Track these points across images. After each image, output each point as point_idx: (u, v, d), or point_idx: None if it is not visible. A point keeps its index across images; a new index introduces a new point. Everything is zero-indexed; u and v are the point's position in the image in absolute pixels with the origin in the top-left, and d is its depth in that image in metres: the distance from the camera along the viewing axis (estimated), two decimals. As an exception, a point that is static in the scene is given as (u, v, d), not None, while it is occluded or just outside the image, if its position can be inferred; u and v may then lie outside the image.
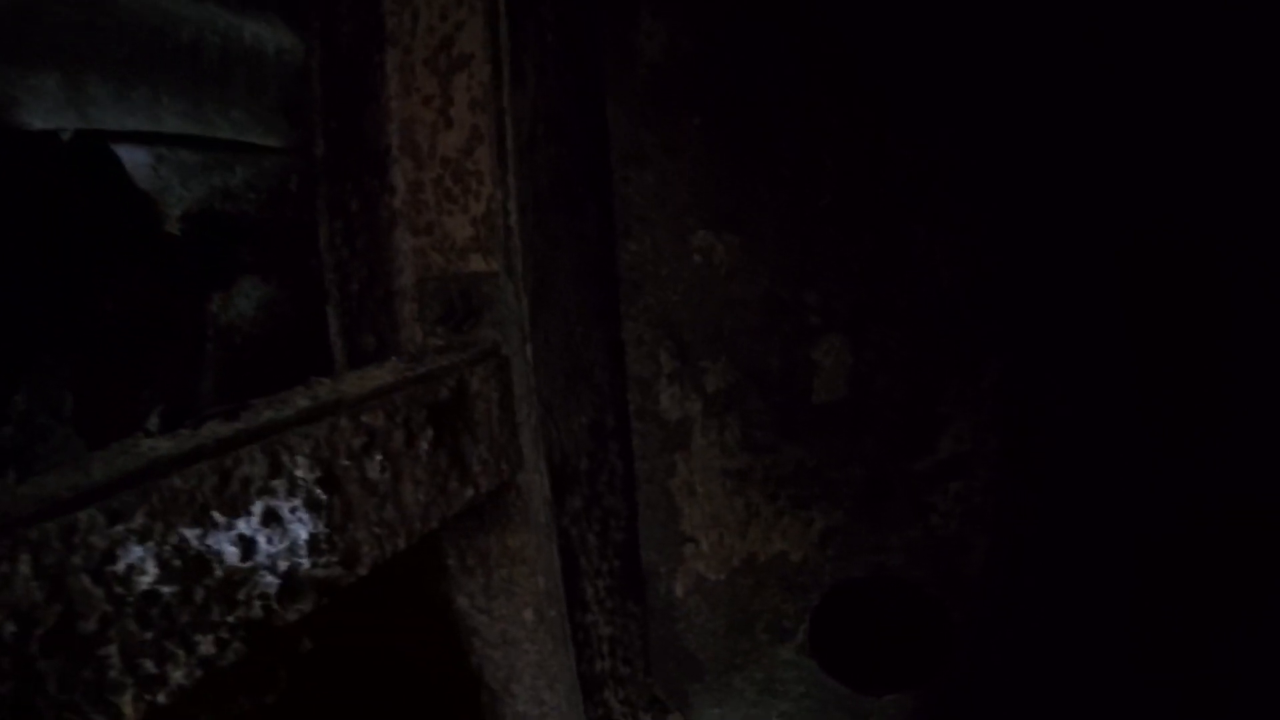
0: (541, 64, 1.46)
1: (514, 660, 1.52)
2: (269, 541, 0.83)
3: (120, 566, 0.67)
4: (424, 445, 1.05)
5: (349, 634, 1.45)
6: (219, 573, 0.77)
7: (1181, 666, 1.34)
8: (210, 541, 0.76)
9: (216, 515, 0.77)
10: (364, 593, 1.41)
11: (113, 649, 0.66)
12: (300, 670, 1.35)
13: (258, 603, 0.83)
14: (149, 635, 0.70)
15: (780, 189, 1.28)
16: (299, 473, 0.86)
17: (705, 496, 1.34)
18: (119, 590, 0.67)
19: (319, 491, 0.88)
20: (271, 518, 0.83)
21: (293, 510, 0.86)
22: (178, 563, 0.72)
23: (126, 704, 0.68)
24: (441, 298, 1.43)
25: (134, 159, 1.27)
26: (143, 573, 0.69)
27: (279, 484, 0.84)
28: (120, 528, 0.67)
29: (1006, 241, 1.27)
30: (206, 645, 0.76)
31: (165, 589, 0.71)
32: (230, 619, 0.79)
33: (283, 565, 0.85)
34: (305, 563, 0.87)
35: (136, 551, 0.68)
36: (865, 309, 1.22)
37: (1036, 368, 1.28)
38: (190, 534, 0.74)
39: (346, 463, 0.92)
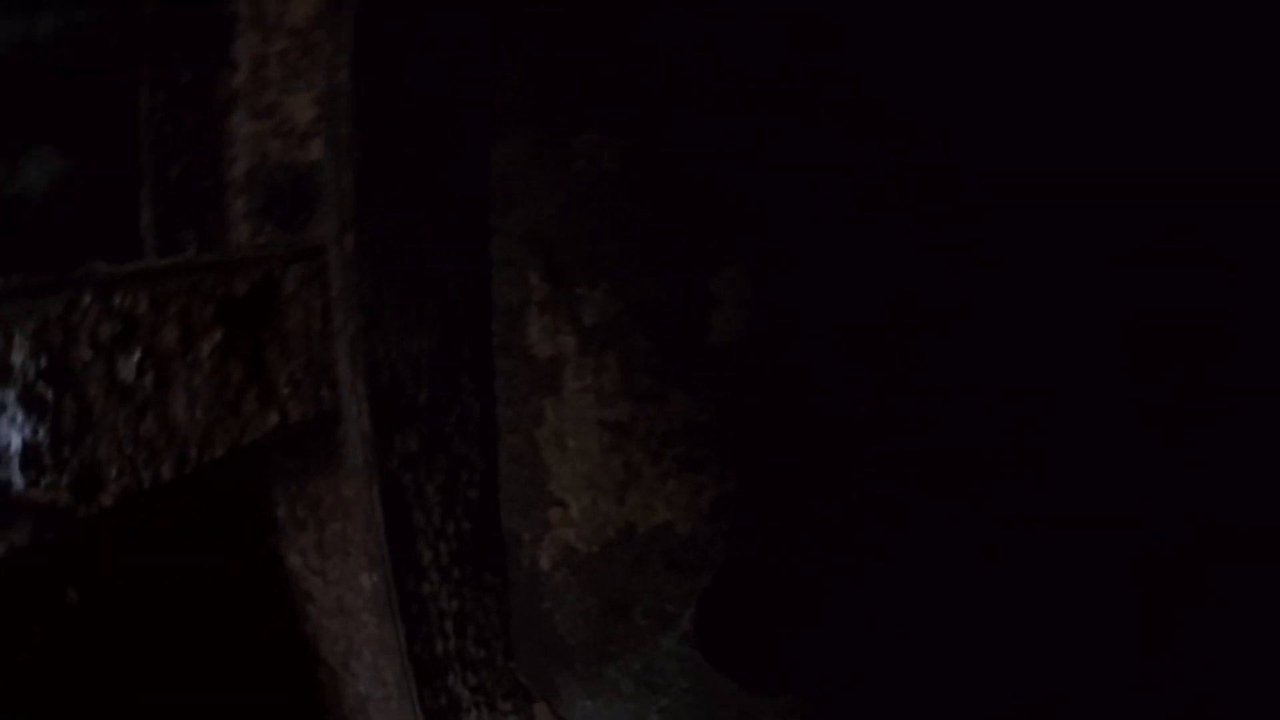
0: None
1: (352, 633, 1.44)
2: (-36, 441, 0.73)
3: None
4: (207, 348, 0.96)
5: (153, 591, 1.35)
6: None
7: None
8: None
9: None
10: (167, 541, 1.32)
11: None
12: (75, 631, 1.25)
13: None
14: None
15: (680, 85, 1.21)
16: (15, 357, 0.76)
17: (577, 452, 1.26)
18: None
19: (42, 386, 0.79)
20: (-32, 412, 0.74)
21: (2, 406, 0.76)
22: None
23: None
24: (272, 191, 1.34)
25: None
26: None
27: (-13, 371, 0.75)
28: None
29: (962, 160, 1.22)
30: None
31: None
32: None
33: (-18, 475, 0.75)
34: (18, 480, 0.77)
35: None
36: (775, 236, 1.15)
37: (999, 332, 1.25)
38: None
39: (89, 354, 0.83)
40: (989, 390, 1.23)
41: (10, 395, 0.76)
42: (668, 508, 1.27)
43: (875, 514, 1.25)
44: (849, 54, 1.20)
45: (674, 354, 1.20)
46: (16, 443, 0.76)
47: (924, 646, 1.34)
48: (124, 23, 1.32)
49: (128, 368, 0.87)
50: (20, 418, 0.77)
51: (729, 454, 1.23)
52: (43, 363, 0.79)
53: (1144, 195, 1.28)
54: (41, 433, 0.78)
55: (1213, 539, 1.36)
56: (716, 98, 1.20)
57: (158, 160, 1.33)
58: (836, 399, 1.20)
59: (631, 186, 1.21)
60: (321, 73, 1.31)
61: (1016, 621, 1.31)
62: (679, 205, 1.20)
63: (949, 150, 1.19)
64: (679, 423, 1.22)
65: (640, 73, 1.22)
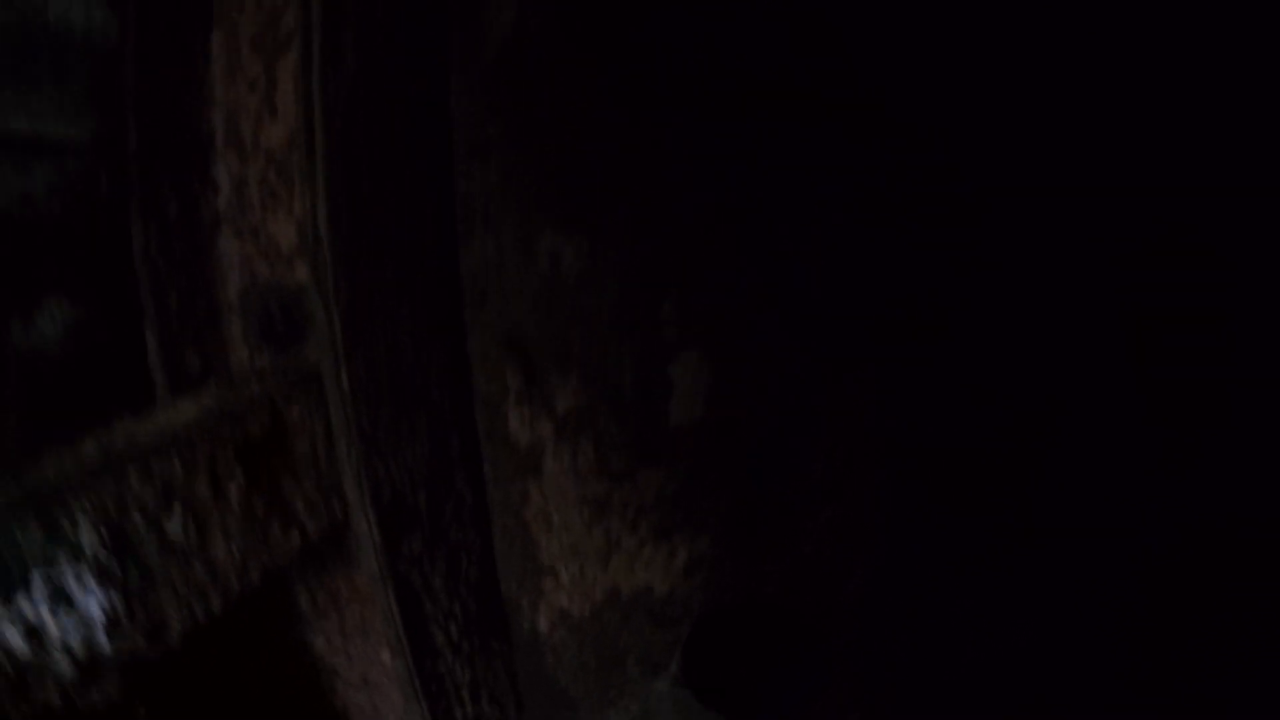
0: (367, 42, 1.53)
1: (378, 703, 1.64)
2: (58, 622, 0.92)
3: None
4: (234, 491, 1.14)
5: (199, 690, 1.55)
6: (8, 669, 0.86)
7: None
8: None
9: (-12, 600, 0.85)
10: (210, 647, 1.51)
11: None
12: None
13: (55, 693, 0.92)
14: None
15: (635, 187, 1.39)
16: (84, 539, 0.95)
17: (563, 526, 1.46)
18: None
19: (108, 558, 0.97)
20: (58, 595, 0.92)
21: (81, 582, 0.95)
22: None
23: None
24: (265, 314, 1.51)
25: None
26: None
27: (61, 553, 0.93)
28: None
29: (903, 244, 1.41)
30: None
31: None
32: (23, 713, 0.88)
33: (78, 647, 0.94)
34: (103, 640, 0.96)
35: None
36: (726, 322, 1.34)
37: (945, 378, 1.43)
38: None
39: (140, 521, 1.01)
40: (937, 448, 1.43)
41: (86, 572, 0.94)
42: (647, 571, 1.46)
43: (835, 561, 1.45)
44: (807, 147, 1.38)
45: (640, 435, 1.39)
46: (97, 612, 0.95)
47: (898, 671, 1.54)
48: (110, 164, 1.49)
49: (174, 526, 1.05)
50: (97, 590, 0.95)
51: (696, 520, 1.43)
52: (106, 539, 0.97)
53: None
54: (115, 598, 0.97)
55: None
56: (664, 205, 1.38)
57: (156, 292, 1.50)
58: (790, 466, 1.39)
59: (592, 285, 1.40)
60: (299, 199, 1.49)
61: (979, 650, 1.51)
62: (637, 300, 1.38)
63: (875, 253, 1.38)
64: (650, 496, 1.42)
65: (596, 180, 1.41)
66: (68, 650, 0.91)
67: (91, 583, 0.95)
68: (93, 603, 0.94)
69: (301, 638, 1.52)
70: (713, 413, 1.36)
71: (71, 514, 0.94)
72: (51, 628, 0.89)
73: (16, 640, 0.86)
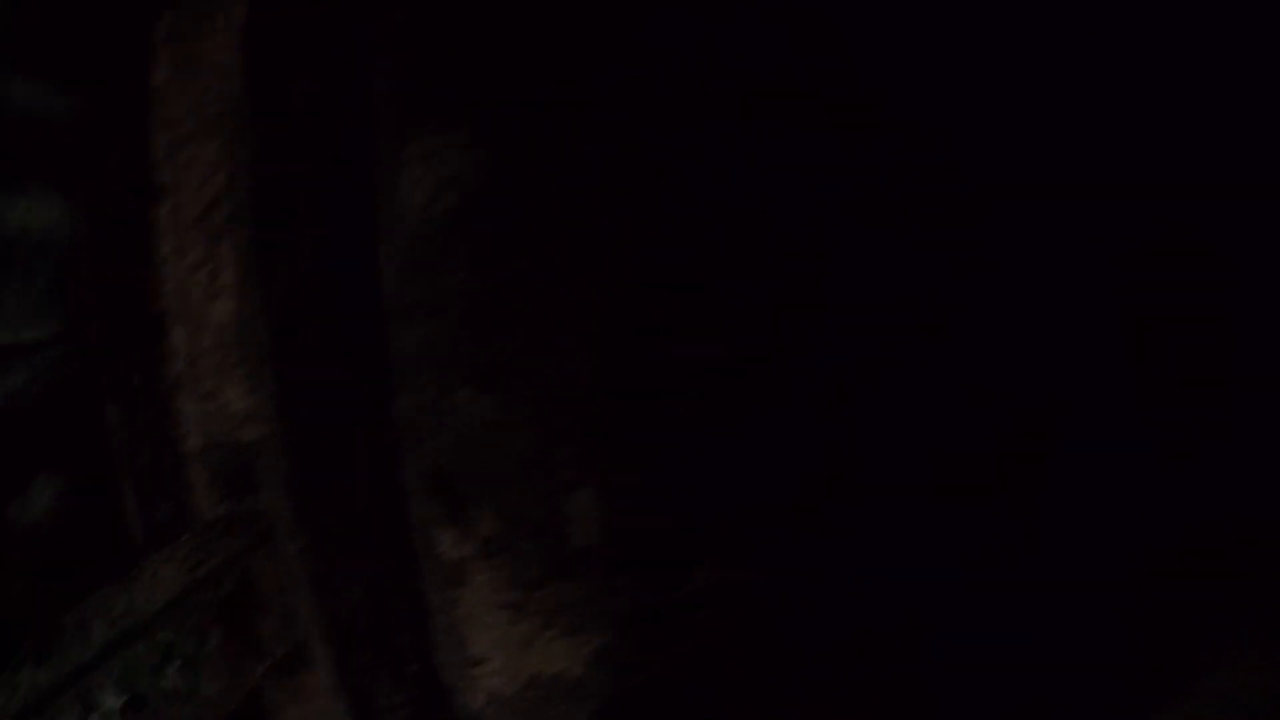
0: (300, 227, 1.83)
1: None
2: (86, 766, 1.23)
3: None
4: (215, 641, 1.46)
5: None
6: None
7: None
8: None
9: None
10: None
11: None
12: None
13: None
14: None
15: (536, 350, 1.72)
16: (108, 703, 1.26)
17: (489, 625, 1.79)
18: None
19: (128, 713, 1.28)
20: (88, 747, 1.23)
21: (107, 735, 1.26)
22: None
23: None
24: (224, 469, 1.82)
25: None
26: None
27: (92, 717, 1.24)
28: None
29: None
30: None
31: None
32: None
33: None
34: (120, 775, 1.28)
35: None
36: (615, 465, 1.69)
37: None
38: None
39: (148, 679, 1.33)
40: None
41: (111, 728, 1.26)
42: (561, 660, 1.79)
43: (725, 646, 1.80)
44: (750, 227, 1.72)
45: (548, 555, 1.73)
46: (118, 757, 1.26)
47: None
48: (78, 350, 1.76)
49: (172, 678, 1.36)
50: (120, 740, 1.27)
51: (601, 618, 1.77)
52: (124, 699, 1.28)
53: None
54: (134, 745, 1.28)
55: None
56: (566, 366, 1.71)
57: (128, 454, 1.79)
58: (674, 577, 1.74)
59: (502, 433, 1.73)
60: (246, 374, 1.79)
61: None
62: (540, 447, 1.72)
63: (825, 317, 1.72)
64: (561, 602, 1.75)
65: (502, 344, 1.73)
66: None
67: (117, 735, 1.26)
68: (120, 751, 1.25)
69: (269, 725, 1.84)
70: (607, 537, 1.70)
71: (100, 685, 1.25)
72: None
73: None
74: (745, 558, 1.74)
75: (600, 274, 1.69)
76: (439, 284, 1.77)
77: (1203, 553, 1.58)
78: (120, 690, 1.27)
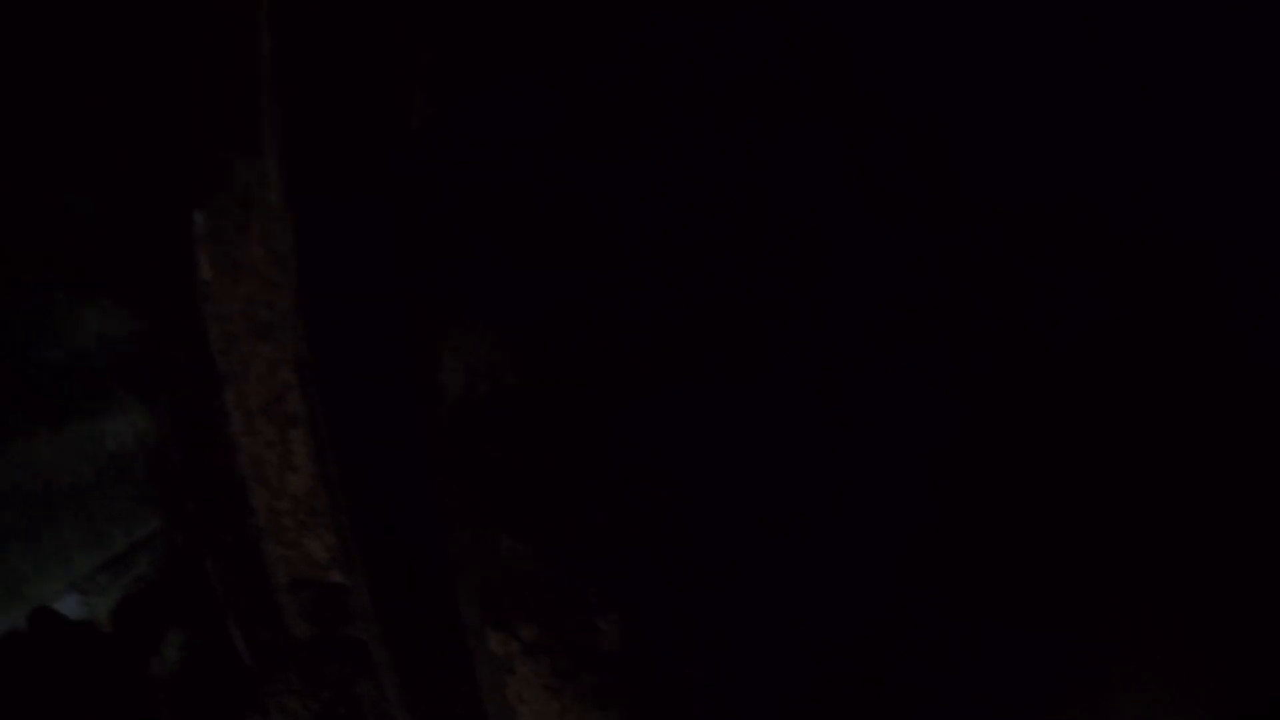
0: (366, 408, 2.19)
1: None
2: None
3: None
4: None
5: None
6: None
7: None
8: None
9: None
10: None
11: None
12: None
13: None
14: None
15: (563, 509, 2.18)
16: None
17: (531, 700, 2.34)
18: None
19: None
20: None
21: None
22: None
23: None
24: (312, 603, 2.26)
25: (65, 607, 1.94)
26: None
27: None
28: None
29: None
30: None
31: None
32: None
33: None
34: None
35: None
36: (633, 598, 2.19)
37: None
38: None
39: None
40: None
41: None
42: None
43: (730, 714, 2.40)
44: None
45: (579, 655, 2.26)
46: None
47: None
48: (179, 523, 2.13)
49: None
50: None
51: (625, 698, 2.34)
52: None
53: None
54: None
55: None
56: (590, 521, 2.17)
57: (232, 597, 2.21)
58: (687, 674, 2.30)
59: (539, 571, 2.21)
60: (326, 532, 2.21)
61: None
62: (572, 581, 2.21)
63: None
64: (590, 685, 2.30)
65: (535, 500, 2.18)
66: None
67: None
68: None
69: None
70: (627, 644, 2.23)
71: None
72: None
73: None
74: (740, 661, 2.32)
75: (615, 453, 2.13)
76: (476, 452, 2.18)
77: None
78: None
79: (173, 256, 2.11)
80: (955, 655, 2.25)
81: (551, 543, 2.17)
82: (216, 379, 2.15)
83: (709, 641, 2.24)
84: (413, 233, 2.06)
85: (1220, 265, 1.49)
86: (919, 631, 2.23)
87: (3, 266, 1.92)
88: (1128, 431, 1.78)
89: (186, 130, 2.06)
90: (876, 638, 2.24)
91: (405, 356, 2.13)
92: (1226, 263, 1.49)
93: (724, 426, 2.05)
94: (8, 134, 1.96)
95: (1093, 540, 1.99)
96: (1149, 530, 1.95)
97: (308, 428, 2.08)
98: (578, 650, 2.25)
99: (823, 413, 2.05)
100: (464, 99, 2.05)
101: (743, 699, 2.32)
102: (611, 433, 2.11)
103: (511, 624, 2.25)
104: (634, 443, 2.12)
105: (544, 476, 2.14)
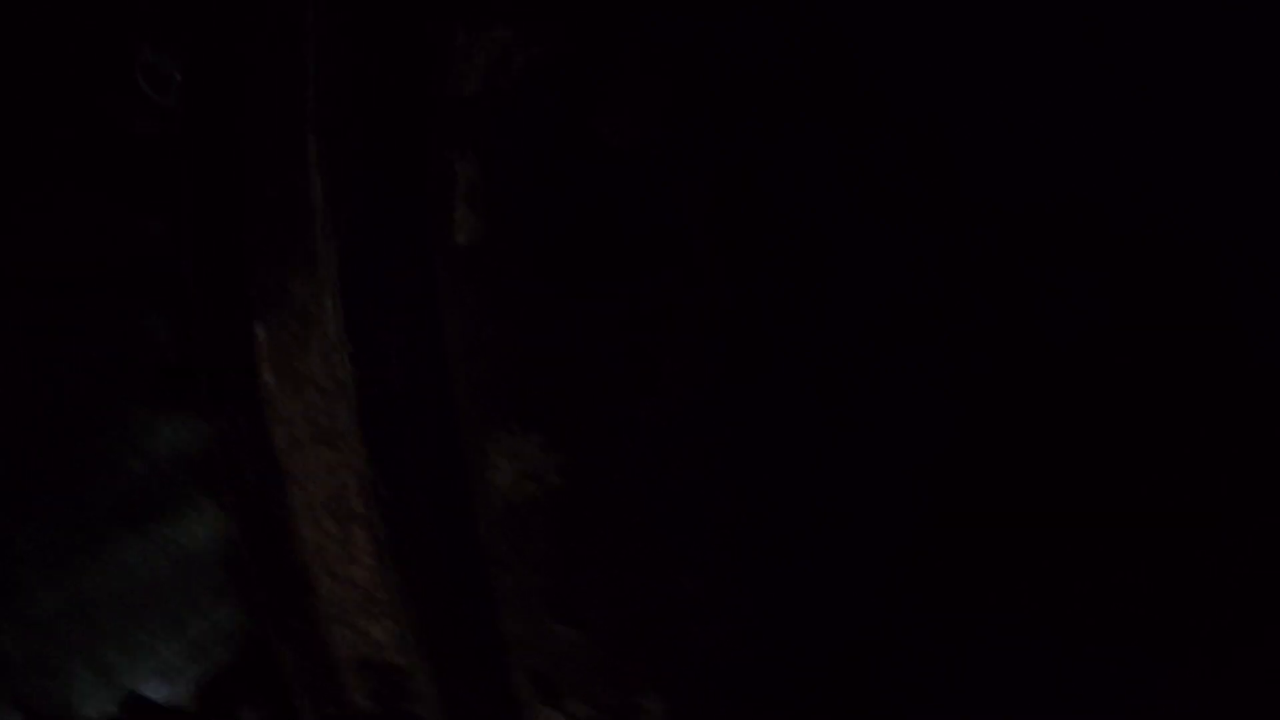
0: (421, 507, 2.34)
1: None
2: None
3: None
4: None
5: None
6: None
7: None
8: None
9: None
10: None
11: None
12: None
13: None
14: None
15: (608, 599, 2.32)
16: None
17: (583, 765, 2.52)
18: None
19: None
20: None
21: None
22: None
23: None
24: (376, 681, 2.44)
25: (152, 689, 2.13)
26: None
27: None
28: None
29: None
30: None
31: None
32: None
33: None
34: None
35: None
36: (674, 679, 2.33)
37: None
38: None
39: None
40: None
41: None
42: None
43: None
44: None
45: (627, 729, 2.42)
46: None
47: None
48: (253, 614, 2.31)
49: None
50: None
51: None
52: None
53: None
54: None
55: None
56: (633, 607, 2.31)
57: (299, 676, 2.39)
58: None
59: (587, 654, 2.36)
60: (389, 618, 2.38)
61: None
62: (616, 663, 2.35)
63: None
64: (637, 754, 2.47)
65: (581, 591, 2.32)
66: None
67: None
68: None
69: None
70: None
71: None
72: None
73: None
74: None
75: (647, 550, 2.26)
76: (525, 547, 2.32)
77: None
78: None
79: (238, 366, 2.27)
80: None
81: (599, 629, 2.32)
82: (282, 478, 2.32)
83: (743, 711, 2.38)
84: (462, 351, 2.18)
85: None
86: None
87: (92, 387, 2.09)
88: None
89: (247, 253, 2.20)
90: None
91: (457, 458, 2.26)
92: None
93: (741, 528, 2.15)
94: (94, 260, 2.12)
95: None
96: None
97: (367, 527, 2.23)
98: (624, 724, 2.40)
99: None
100: (504, 215, 2.16)
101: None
102: (645, 531, 2.23)
103: (562, 701, 2.41)
104: (666, 538, 2.24)
105: (589, 570, 2.28)
